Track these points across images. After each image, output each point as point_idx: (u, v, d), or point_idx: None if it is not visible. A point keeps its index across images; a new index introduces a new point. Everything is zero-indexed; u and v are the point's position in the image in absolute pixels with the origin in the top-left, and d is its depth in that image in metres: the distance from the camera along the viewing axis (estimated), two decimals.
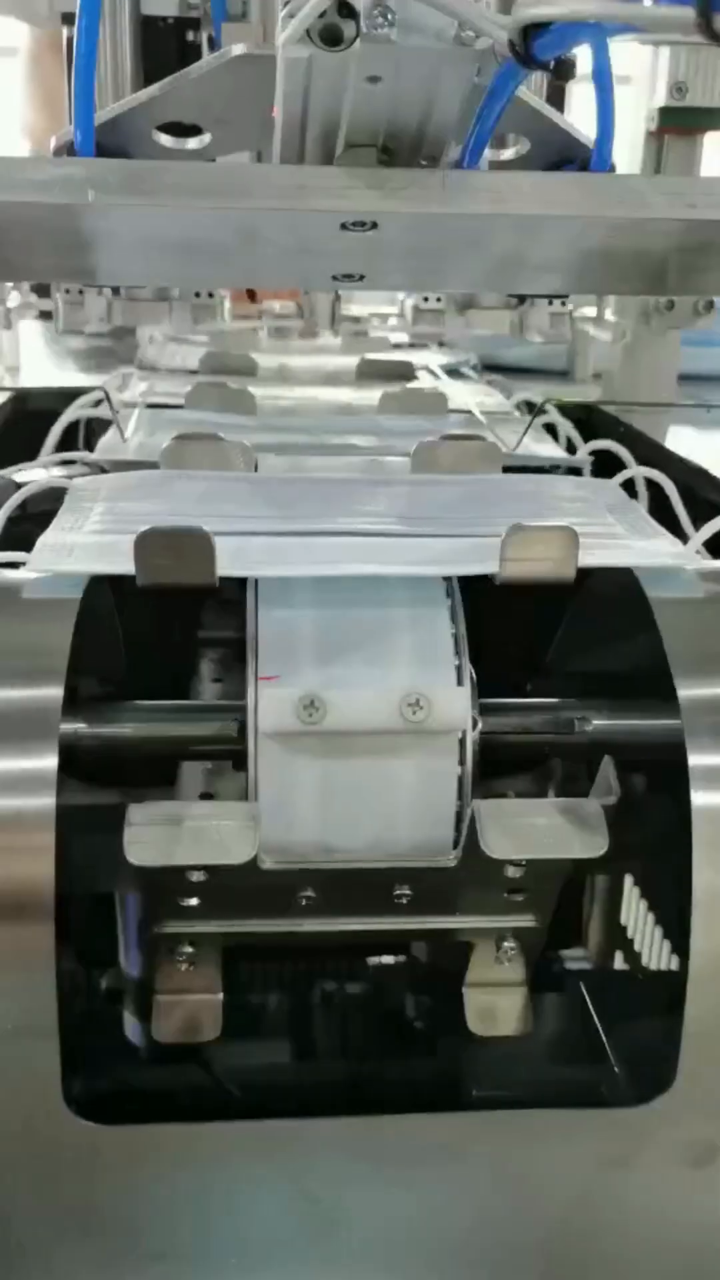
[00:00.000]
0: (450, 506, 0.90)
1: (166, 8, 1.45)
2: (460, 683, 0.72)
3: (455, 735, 0.71)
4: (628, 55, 1.45)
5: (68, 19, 1.52)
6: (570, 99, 1.31)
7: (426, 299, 1.51)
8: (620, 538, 0.85)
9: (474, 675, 0.74)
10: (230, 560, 0.72)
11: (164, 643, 0.92)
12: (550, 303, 1.47)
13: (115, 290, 1.48)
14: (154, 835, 0.67)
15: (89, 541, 0.82)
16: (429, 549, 0.80)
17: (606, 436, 1.17)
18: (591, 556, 0.74)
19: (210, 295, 1.49)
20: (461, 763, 0.71)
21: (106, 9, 1.31)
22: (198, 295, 1.48)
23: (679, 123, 1.49)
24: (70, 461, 1.12)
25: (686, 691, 0.68)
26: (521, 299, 1.47)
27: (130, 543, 0.71)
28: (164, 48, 1.44)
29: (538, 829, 0.70)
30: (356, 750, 0.71)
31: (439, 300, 1.51)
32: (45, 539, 0.81)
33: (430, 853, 0.72)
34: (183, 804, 0.72)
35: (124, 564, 0.72)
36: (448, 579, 0.76)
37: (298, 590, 0.76)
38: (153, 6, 1.42)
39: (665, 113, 1.46)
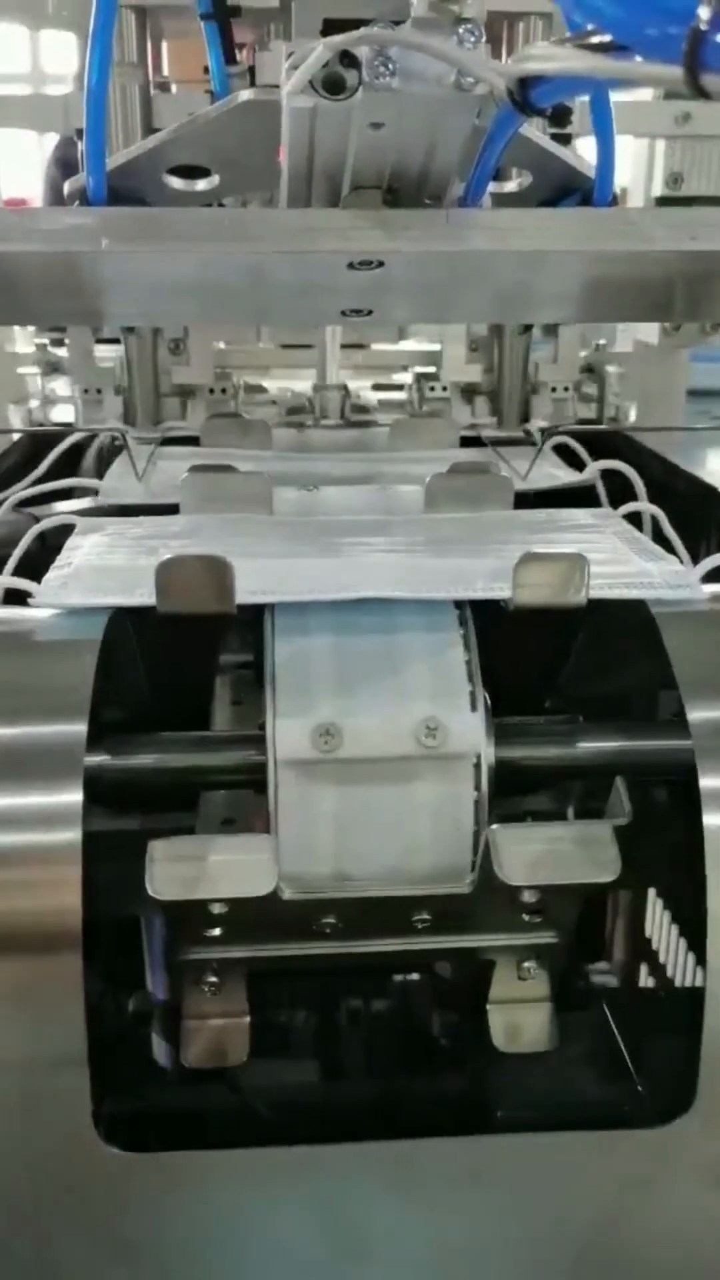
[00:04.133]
0: (463, 540, 0.92)
1: (176, 121, 1.49)
2: (474, 708, 0.73)
3: (470, 760, 0.72)
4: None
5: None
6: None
7: (433, 388, 1.59)
8: (629, 562, 0.86)
9: (488, 700, 0.75)
10: (249, 587, 0.74)
11: (183, 667, 0.94)
12: (554, 390, 1.58)
13: (130, 388, 1.53)
14: (177, 870, 0.68)
15: (102, 569, 0.84)
16: (443, 574, 0.81)
17: (621, 458, 1.18)
18: (603, 589, 0.76)
19: (224, 391, 1.55)
20: (477, 787, 0.73)
21: (119, 122, 1.37)
22: (212, 392, 1.55)
23: None
24: (92, 491, 1.14)
25: (696, 715, 0.69)
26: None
27: (140, 573, 0.72)
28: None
29: (550, 854, 0.71)
30: (373, 777, 0.72)
31: (444, 389, 1.59)
32: (51, 575, 0.82)
33: (448, 877, 0.73)
34: (204, 838, 0.74)
35: (141, 595, 0.74)
36: (460, 607, 0.78)
37: (313, 619, 0.77)
38: (163, 120, 1.45)
39: (662, 202, 1.50)
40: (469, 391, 1.58)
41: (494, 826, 0.71)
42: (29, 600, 0.79)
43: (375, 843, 0.72)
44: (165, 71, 1.56)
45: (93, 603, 0.77)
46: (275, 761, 0.71)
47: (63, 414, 1.65)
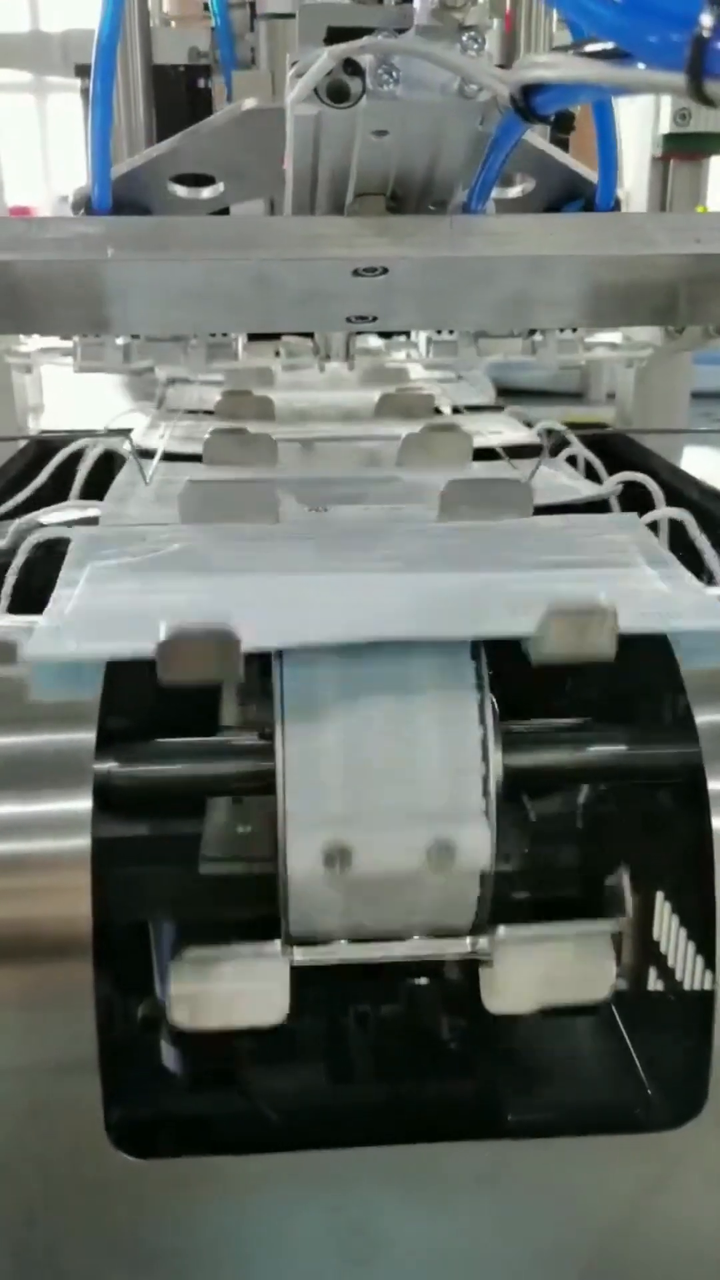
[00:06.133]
0: (479, 554, 0.89)
1: (177, 56, 1.50)
2: (486, 814, 0.70)
3: (476, 874, 0.70)
4: None
5: (81, 70, 1.56)
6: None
7: (440, 331, 1.55)
8: (656, 592, 0.83)
9: (495, 706, 0.74)
10: (253, 637, 0.68)
11: None
12: (560, 330, 1.52)
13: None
14: (196, 995, 0.70)
15: (98, 610, 0.79)
16: (458, 603, 0.78)
17: (626, 463, 1.17)
18: (629, 623, 0.71)
19: (225, 334, 1.52)
20: (481, 885, 0.71)
21: (120, 58, 1.35)
22: (212, 335, 1.52)
23: (684, 148, 1.52)
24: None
25: (705, 719, 0.69)
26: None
27: (140, 613, 0.70)
28: (175, 95, 1.47)
29: (542, 980, 0.71)
30: (383, 888, 0.70)
31: (452, 332, 1.55)
32: (44, 620, 0.76)
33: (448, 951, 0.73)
34: (221, 963, 0.71)
35: (141, 642, 0.68)
36: (477, 664, 0.73)
37: (321, 685, 0.72)
38: (164, 55, 1.46)
39: (670, 139, 1.48)
40: (477, 334, 1.54)
41: (485, 943, 0.71)
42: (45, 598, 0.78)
43: (381, 921, 0.72)
44: (165, 8, 1.57)
45: (89, 652, 0.72)
46: (287, 876, 0.69)
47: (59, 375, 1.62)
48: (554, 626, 0.68)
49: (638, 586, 0.82)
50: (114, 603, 0.80)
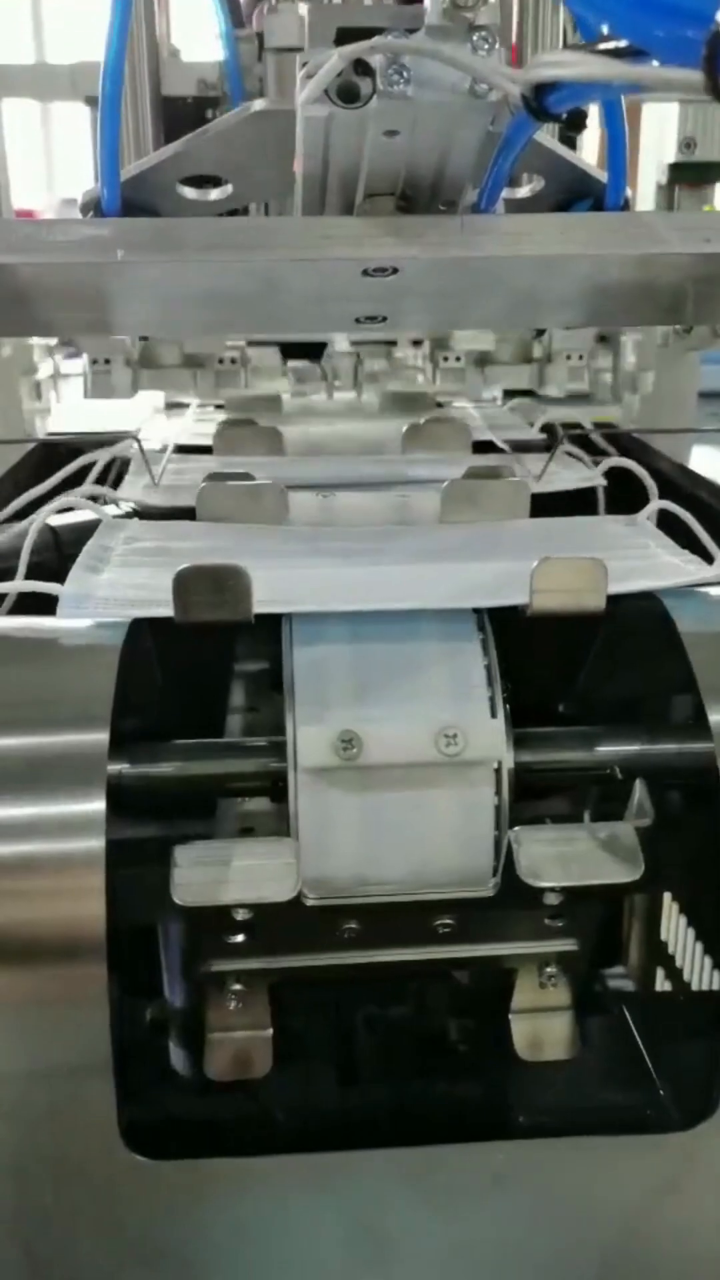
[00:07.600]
0: (481, 546, 0.91)
1: (186, 88, 1.51)
2: (494, 714, 0.73)
3: (490, 766, 0.72)
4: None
5: (91, 101, 1.57)
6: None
7: (447, 358, 1.57)
8: (647, 558, 0.86)
9: (508, 706, 0.75)
10: (267, 597, 0.73)
11: (199, 673, 0.94)
12: (568, 357, 1.55)
13: (142, 361, 1.53)
14: (199, 876, 0.68)
15: (121, 581, 0.84)
16: (460, 581, 0.81)
17: (630, 461, 1.18)
18: (619, 584, 0.76)
19: (233, 362, 1.54)
20: (498, 792, 0.73)
21: (128, 88, 1.37)
22: (221, 362, 1.54)
23: (689, 178, 1.56)
24: (102, 499, 1.13)
25: (718, 718, 0.69)
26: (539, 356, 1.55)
27: (159, 582, 0.72)
28: (184, 126, 1.48)
29: (574, 856, 0.71)
30: (394, 783, 0.72)
31: (459, 360, 1.57)
32: (70, 587, 0.81)
33: (469, 882, 0.73)
34: (226, 843, 0.74)
35: (158, 607, 0.74)
36: (479, 612, 0.78)
37: (331, 628, 0.77)
38: (173, 87, 1.47)
39: (675, 168, 1.52)
40: (482, 361, 1.57)
41: (515, 829, 0.71)
42: (56, 599, 0.79)
43: (396, 847, 0.72)
44: (173, 40, 1.58)
45: (114, 615, 0.77)
46: (296, 769, 0.71)
47: (73, 387, 1.64)
48: (546, 578, 0.72)
49: (639, 555, 0.86)
50: (134, 573, 0.86)
